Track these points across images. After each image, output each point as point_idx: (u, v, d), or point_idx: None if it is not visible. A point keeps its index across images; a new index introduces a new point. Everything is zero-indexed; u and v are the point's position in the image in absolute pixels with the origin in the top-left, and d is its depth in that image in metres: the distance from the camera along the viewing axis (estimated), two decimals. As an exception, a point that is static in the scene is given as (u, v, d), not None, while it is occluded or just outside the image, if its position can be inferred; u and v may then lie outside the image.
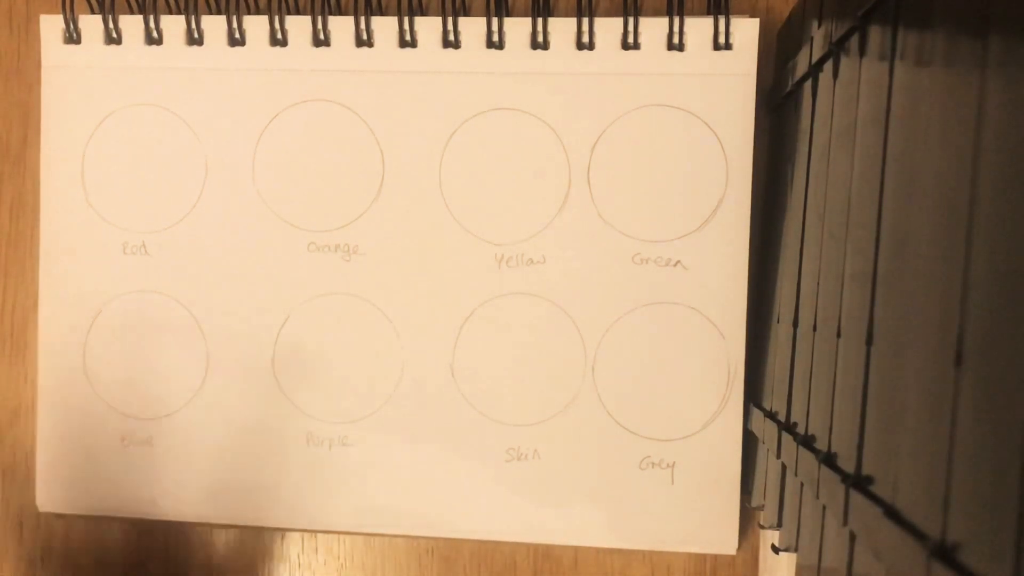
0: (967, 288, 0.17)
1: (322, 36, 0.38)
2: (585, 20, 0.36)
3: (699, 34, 0.36)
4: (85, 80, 0.39)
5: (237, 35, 0.38)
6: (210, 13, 0.38)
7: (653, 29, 0.36)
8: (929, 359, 0.18)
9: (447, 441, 0.38)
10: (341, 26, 0.38)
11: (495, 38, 0.37)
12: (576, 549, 0.38)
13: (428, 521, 0.38)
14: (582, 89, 0.37)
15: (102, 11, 0.38)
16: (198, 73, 0.38)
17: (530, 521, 0.37)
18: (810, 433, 0.27)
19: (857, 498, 0.21)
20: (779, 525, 0.31)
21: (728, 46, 0.36)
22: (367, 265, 0.38)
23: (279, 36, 0.38)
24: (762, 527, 0.35)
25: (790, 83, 0.33)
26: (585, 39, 0.37)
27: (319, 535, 0.39)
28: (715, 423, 0.37)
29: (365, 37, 0.38)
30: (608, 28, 0.36)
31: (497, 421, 0.37)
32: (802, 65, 0.31)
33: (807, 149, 0.31)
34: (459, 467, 0.38)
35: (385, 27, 0.37)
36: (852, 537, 0.22)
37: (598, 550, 0.38)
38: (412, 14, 0.37)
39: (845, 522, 0.22)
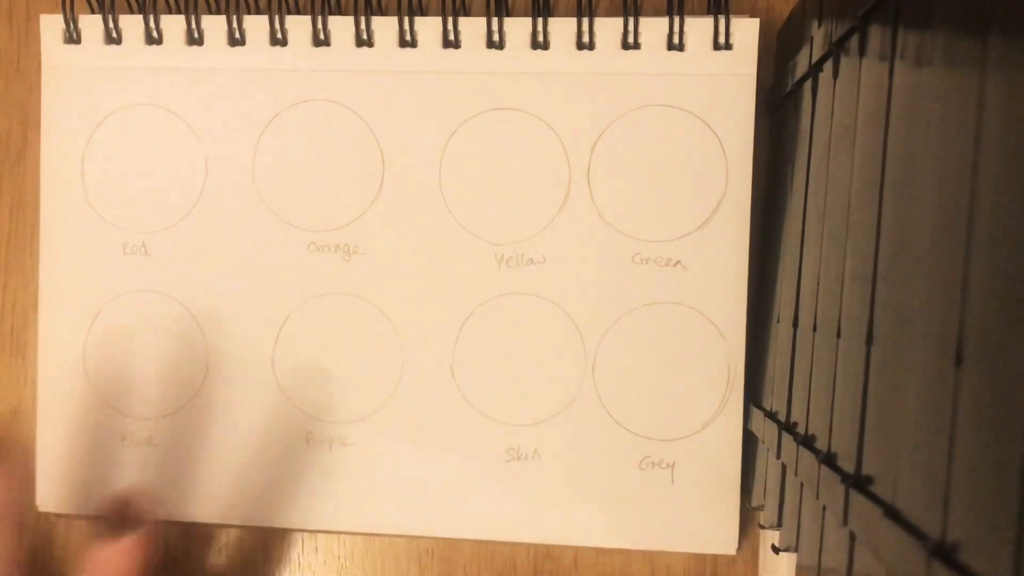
0: (967, 288, 0.17)
1: (322, 36, 0.38)
2: (585, 20, 0.36)
3: (699, 34, 0.36)
4: (85, 80, 0.39)
5: (237, 35, 0.38)
6: (210, 13, 0.38)
7: (653, 29, 0.36)
8: (929, 359, 0.18)
9: (447, 441, 0.38)
10: (341, 26, 0.38)
11: (495, 38, 0.37)
12: (576, 549, 0.38)
13: (428, 521, 0.38)
14: (582, 89, 0.37)
15: (102, 11, 0.38)
16: (198, 73, 0.38)
17: (530, 521, 0.37)
18: (810, 433, 0.27)
19: (857, 498, 0.21)
20: (779, 525, 0.31)
21: (728, 46, 0.36)
22: (367, 265, 0.38)
23: (279, 36, 0.38)
24: (762, 527, 0.35)
25: (790, 83, 0.33)
26: (585, 39, 0.37)
27: (319, 535, 0.39)
28: (715, 423, 0.37)
29: (365, 37, 0.38)
30: (608, 28, 0.36)
31: (497, 421, 0.37)
32: (802, 65, 0.31)
33: (807, 149, 0.31)
34: (459, 467, 0.38)
35: (385, 27, 0.37)
36: (852, 537, 0.22)
37: (598, 550, 0.38)
38: (412, 14, 0.37)
39: (845, 522, 0.22)
